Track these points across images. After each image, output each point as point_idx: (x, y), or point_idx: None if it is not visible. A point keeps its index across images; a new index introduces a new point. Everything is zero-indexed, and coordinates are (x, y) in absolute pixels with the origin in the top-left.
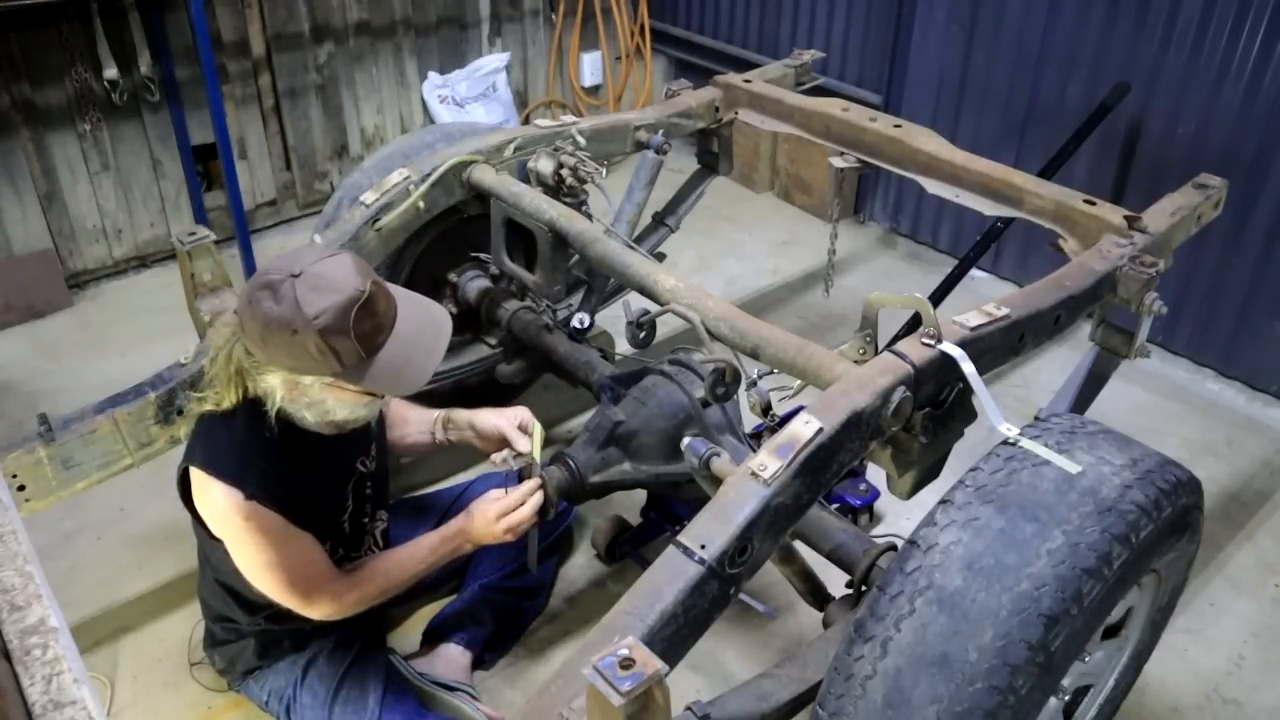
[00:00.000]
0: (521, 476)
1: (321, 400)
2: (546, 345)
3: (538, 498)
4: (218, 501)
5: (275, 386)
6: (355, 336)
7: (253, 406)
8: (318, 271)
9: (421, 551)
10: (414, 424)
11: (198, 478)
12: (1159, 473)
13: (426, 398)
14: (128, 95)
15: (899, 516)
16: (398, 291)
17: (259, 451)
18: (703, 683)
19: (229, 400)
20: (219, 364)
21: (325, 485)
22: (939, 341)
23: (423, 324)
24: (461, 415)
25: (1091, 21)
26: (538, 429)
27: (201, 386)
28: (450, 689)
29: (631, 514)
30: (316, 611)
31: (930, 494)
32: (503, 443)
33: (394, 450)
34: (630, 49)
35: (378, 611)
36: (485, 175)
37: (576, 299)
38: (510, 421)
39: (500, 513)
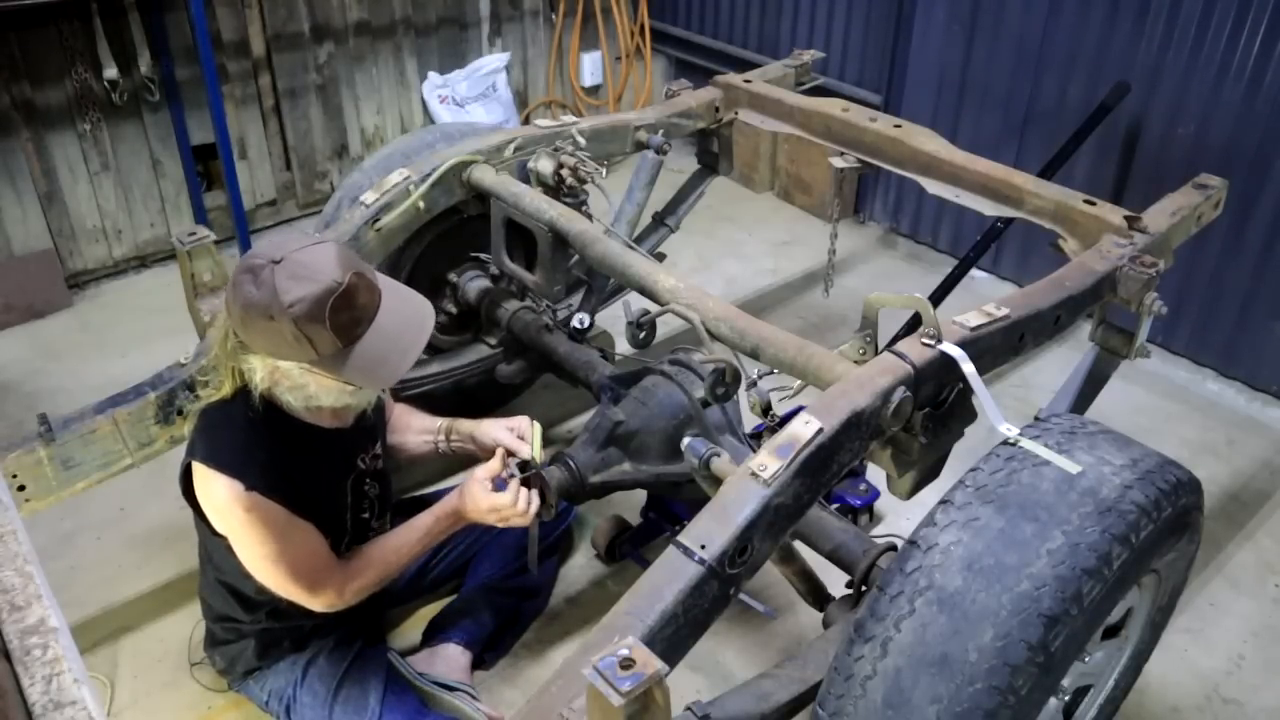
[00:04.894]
0: (523, 475)
1: (303, 385)
2: (546, 345)
3: (534, 501)
4: (219, 494)
5: (255, 368)
6: (331, 327)
7: (248, 397)
8: (299, 259)
9: (416, 534)
10: (416, 431)
11: (199, 472)
12: (1159, 473)
13: (427, 400)
14: (128, 95)
15: (899, 516)
16: (385, 283)
17: (258, 443)
18: (703, 683)
19: (228, 387)
20: (217, 349)
21: (325, 479)
22: (939, 341)
23: (405, 318)
24: (464, 426)
25: (1091, 21)
26: (536, 429)
27: (204, 372)
28: (450, 689)
29: (631, 514)
30: (320, 602)
31: (930, 494)
32: (505, 454)
33: (395, 456)
34: (630, 49)
35: (378, 611)
36: (485, 175)
37: (576, 299)
38: (511, 434)
39: (492, 506)
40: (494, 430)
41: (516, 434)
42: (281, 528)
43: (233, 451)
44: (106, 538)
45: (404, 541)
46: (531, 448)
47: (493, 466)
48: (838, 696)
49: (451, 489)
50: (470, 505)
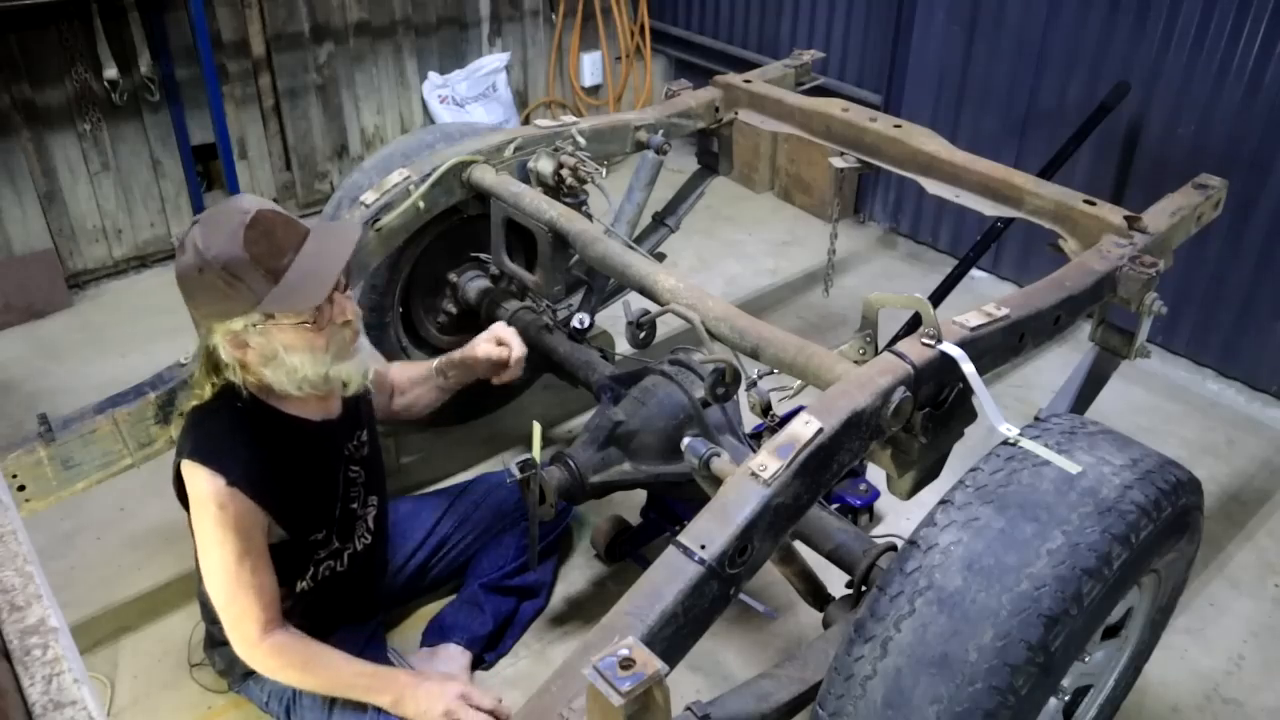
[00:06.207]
0: (523, 475)
1: (273, 352)
2: (546, 345)
3: None
4: (200, 487)
5: (219, 344)
6: (253, 259)
7: (233, 393)
8: (212, 213)
9: (351, 670)
10: (418, 383)
11: (185, 468)
12: (1159, 473)
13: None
14: (128, 95)
15: (899, 516)
16: (314, 225)
17: (243, 439)
18: (703, 683)
19: (207, 390)
20: (199, 353)
21: (314, 473)
22: (939, 341)
23: (330, 238)
24: (455, 356)
25: (1091, 21)
26: (536, 429)
27: (185, 384)
28: None
29: (631, 514)
30: (239, 635)
31: (930, 494)
32: (497, 365)
33: (409, 415)
34: (630, 49)
35: (377, 611)
36: (485, 175)
37: (576, 299)
38: (489, 344)
39: (459, 701)
40: (478, 350)
41: (496, 342)
42: (245, 537)
43: (217, 445)
44: (106, 538)
45: (341, 667)
46: (532, 448)
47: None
48: (838, 696)
49: (452, 488)
50: (435, 695)
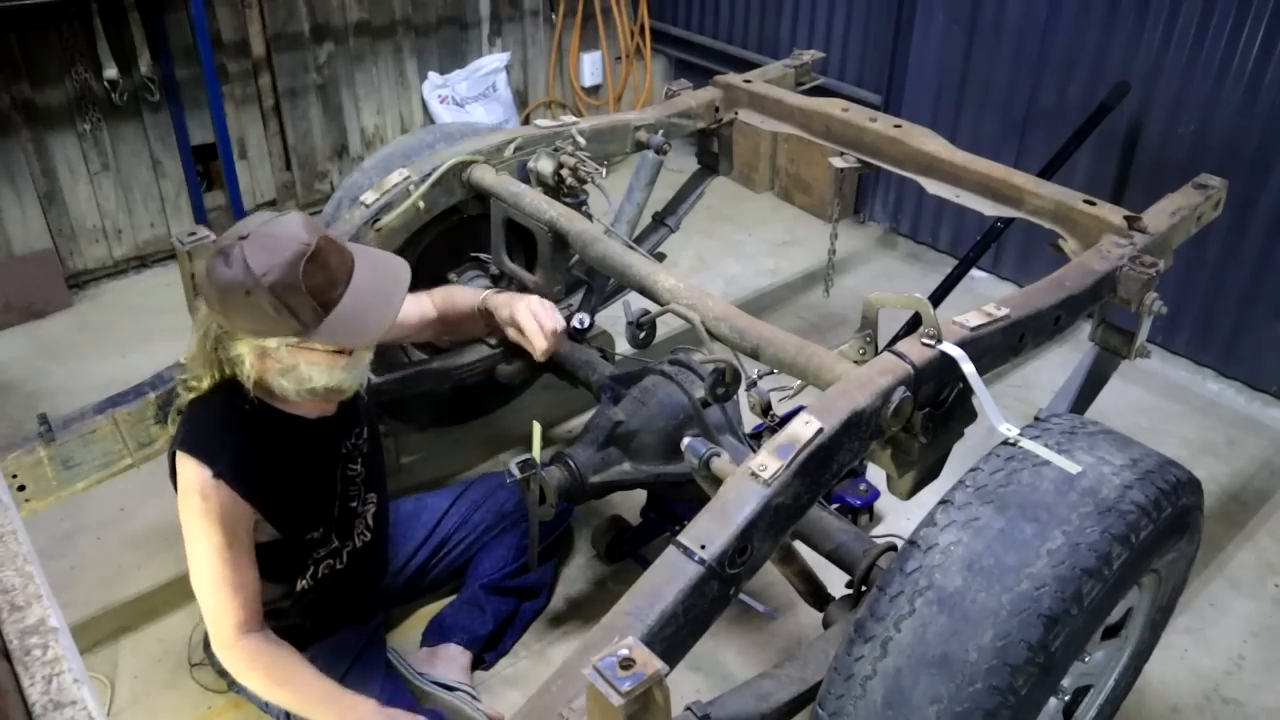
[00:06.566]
0: (523, 475)
1: (294, 365)
2: None
3: None
4: (187, 477)
5: (244, 354)
6: (308, 290)
7: (232, 387)
8: (265, 231)
9: (316, 688)
10: (464, 316)
11: (178, 458)
12: (1159, 473)
13: (424, 396)
14: (128, 95)
15: (899, 516)
16: (355, 248)
17: (236, 432)
18: (703, 683)
19: (207, 380)
20: (197, 344)
21: (311, 470)
22: (939, 341)
23: (380, 274)
24: (495, 304)
25: (1091, 21)
26: (537, 429)
27: (183, 371)
28: (450, 689)
29: (631, 514)
30: (215, 633)
31: (930, 494)
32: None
33: (450, 339)
34: (630, 49)
35: (378, 610)
36: (485, 175)
37: (576, 299)
38: (512, 330)
39: None
40: (507, 330)
41: (517, 329)
42: (229, 532)
43: (207, 437)
44: (106, 538)
45: (310, 682)
46: (532, 448)
47: None
48: (838, 696)
49: (452, 488)
50: None
